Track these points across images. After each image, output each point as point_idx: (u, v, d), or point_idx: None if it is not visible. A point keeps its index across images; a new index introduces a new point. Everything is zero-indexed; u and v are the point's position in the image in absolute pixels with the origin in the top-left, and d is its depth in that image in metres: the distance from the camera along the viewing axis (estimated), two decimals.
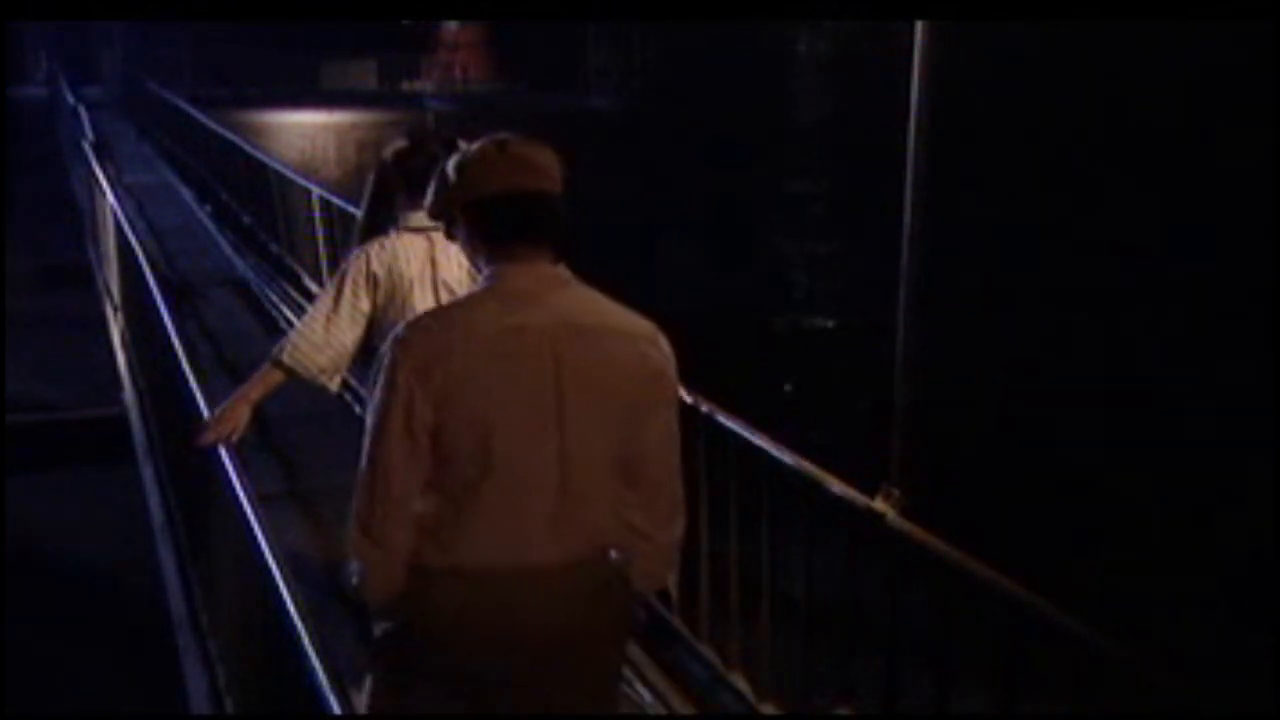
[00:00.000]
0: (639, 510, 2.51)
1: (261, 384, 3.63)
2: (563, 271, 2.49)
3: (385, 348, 2.44)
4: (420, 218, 3.46)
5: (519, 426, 2.38)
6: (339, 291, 3.59)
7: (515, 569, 2.40)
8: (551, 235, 2.47)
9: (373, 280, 3.59)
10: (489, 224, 2.47)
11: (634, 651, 4.46)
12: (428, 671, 2.47)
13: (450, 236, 2.59)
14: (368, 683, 2.60)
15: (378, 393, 2.40)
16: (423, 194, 2.71)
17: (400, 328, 2.47)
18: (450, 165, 2.54)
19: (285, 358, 3.58)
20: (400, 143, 3.87)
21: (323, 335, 3.56)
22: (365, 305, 3.58)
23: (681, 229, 19.13)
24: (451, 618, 2.41)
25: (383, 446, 2.37)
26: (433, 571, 2.40)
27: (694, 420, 4.16)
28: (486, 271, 2.49)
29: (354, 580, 2.45)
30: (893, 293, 3.30)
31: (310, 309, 3.73)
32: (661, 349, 2.50)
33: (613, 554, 2.49)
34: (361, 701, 2.56)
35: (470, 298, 2.53)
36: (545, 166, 2.49)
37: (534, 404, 2.38)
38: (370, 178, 3.92)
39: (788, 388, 11.38)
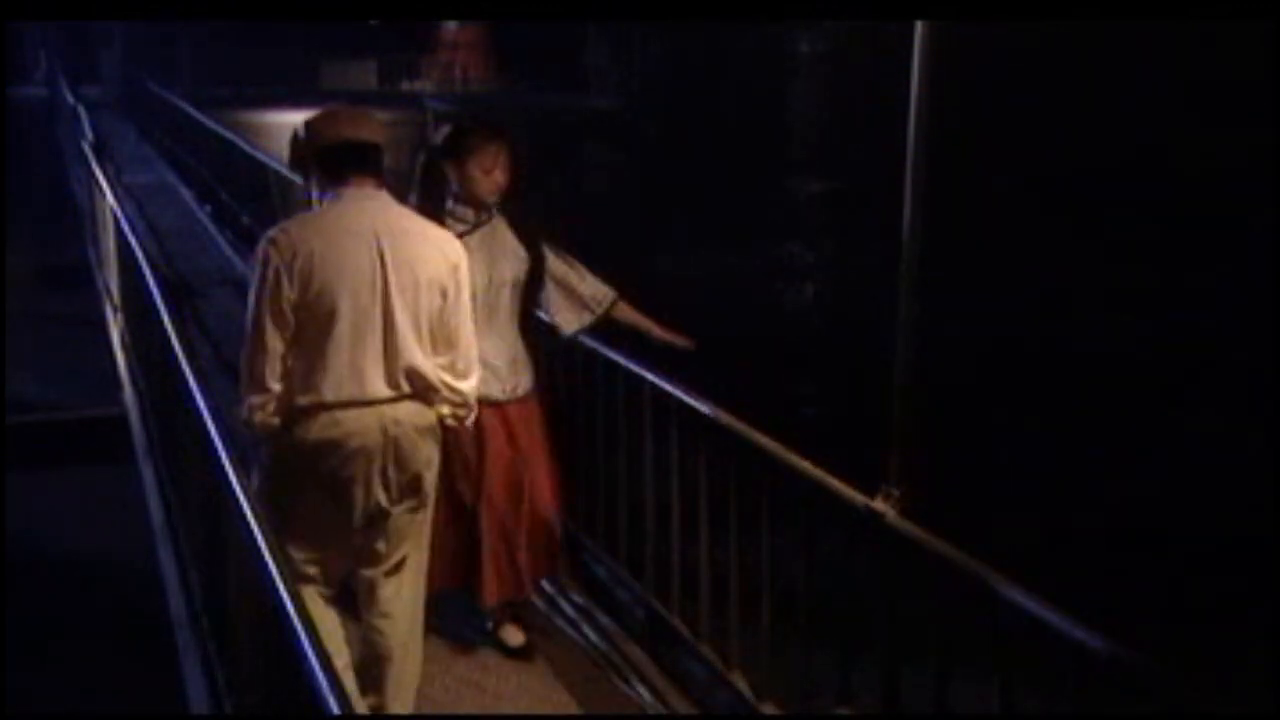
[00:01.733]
0: (444, 368, 3.51)
1: None
2: (383, 194, 3.49)
3: (259, 246, 3.40)
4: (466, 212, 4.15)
5: (354, 298, 3.35)
6: None
7: (358, 400, 3.38)
8: (373, 168, 3.48)
9: None
10: (331, 163, 3.47)
11: (634, 651, 4.47)
12: (303, 476, 3.44)
13: (303, 175, 3.58)
14: (255, 478, 3.47)
15: (255, 279, 3.37)
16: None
17: (270, 231, 3.44)
18: (300, 128, 3.52)
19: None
20: (445, 129, 4.06)
21: None
22: None
23: (681, 228, 19.13)
24: (316, 437, 3.39)
25: (260, 316, 3.34)
26: (303, 407, 3.38)
27: (695, 420, 4.17)
28: (330, 195, 3.47)
29: (244, 414, 3.42)
30: (892, 291, 3.30)
31: None
32: (456, 249, 3.57)
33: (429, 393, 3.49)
34: (252, 484, 3.38)
35: (320, 211, 3.50)
36: (368, 123, 3.53)
37: (364, 282, 3.36)
38: (419, 164, 4.17)
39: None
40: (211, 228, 14.12)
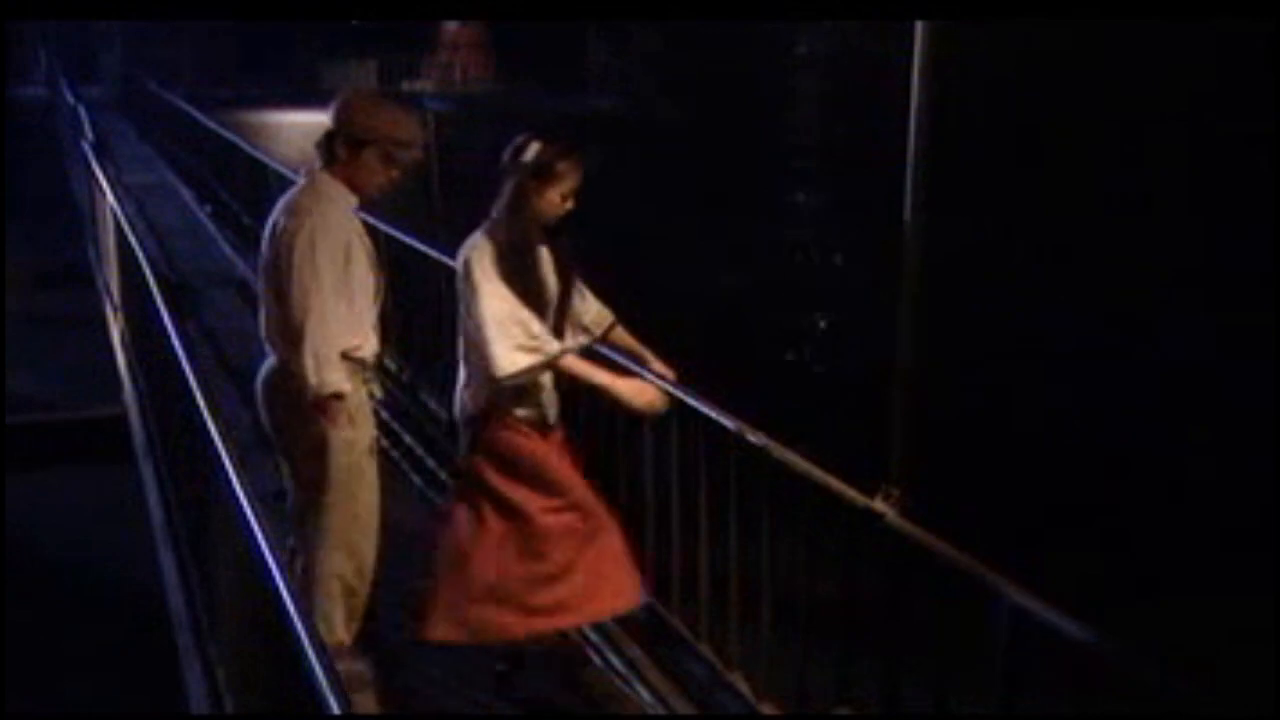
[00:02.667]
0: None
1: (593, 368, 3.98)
2: (319, 176, 3.80)
3: None
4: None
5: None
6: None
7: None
8: (323, 154, 3.81)
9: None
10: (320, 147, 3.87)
11: (634, 651, 4.47)
12: None
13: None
14: None
15: None
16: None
17: None
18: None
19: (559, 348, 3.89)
20: (535, 145, 3.87)
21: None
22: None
23: (681, 229, 19.13)
24: None
25: None
26: None
27: (695, 421, 4.16)
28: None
29: None
30: (891, 292, 3.30)
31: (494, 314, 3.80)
32: (292, 219, 3.74)
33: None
34: None
35: None
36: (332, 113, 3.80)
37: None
38: (512, 184, 3.90)
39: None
40: (211, 228, 14.12)
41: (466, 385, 3.92)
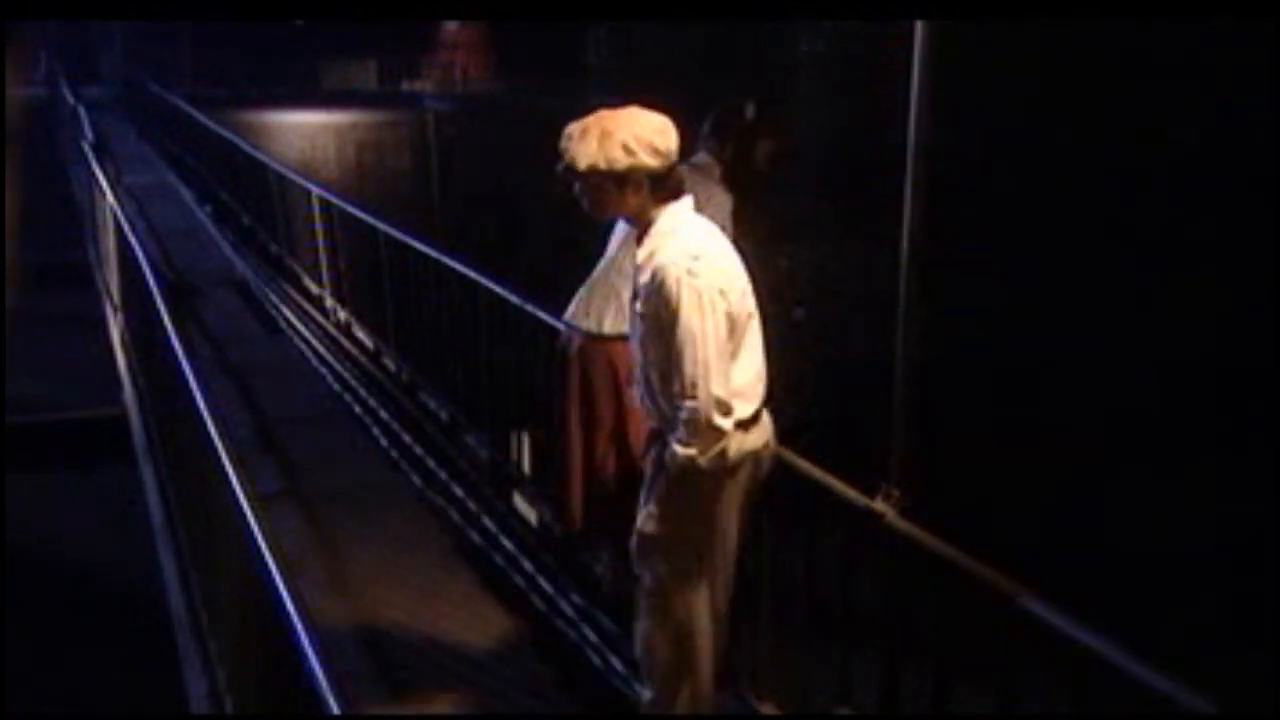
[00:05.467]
0: None
1: None
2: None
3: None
4: None
5: None
6: None
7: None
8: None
9: None
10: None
11: (635, 651, 4.46)
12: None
13: None
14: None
15: None
16: None
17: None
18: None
19: None
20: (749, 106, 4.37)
21: None
22: None
23: None
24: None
25: None
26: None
27: None
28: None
29: None
30: (891, 293, 3.30)
31: None
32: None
33: None
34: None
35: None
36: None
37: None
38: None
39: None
40: (212, 228, 14.12)
41: None
